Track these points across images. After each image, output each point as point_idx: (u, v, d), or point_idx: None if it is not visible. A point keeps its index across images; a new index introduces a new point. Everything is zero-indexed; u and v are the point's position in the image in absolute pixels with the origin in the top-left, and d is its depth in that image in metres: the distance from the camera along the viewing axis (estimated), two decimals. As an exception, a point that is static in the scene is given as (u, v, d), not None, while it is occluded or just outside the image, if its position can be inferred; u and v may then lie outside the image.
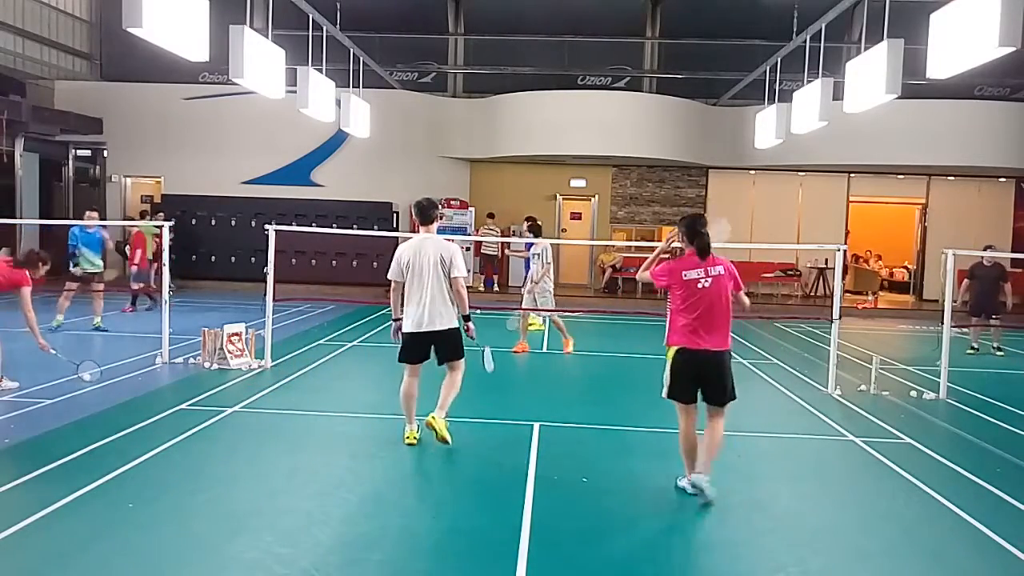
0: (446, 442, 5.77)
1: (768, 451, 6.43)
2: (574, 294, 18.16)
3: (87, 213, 11.85)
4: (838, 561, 4.23)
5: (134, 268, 13.25)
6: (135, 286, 13.18)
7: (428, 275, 5.80)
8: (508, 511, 4.64)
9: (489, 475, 5.49)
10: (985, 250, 11.27)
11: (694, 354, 4.93)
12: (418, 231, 6.09)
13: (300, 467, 5.44)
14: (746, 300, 5.32)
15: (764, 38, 17.05)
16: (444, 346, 5.91)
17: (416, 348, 5.88)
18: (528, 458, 5.75)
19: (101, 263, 11.65)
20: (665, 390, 5.05)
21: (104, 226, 11.98)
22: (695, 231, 5.02)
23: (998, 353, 11.25)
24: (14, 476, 4.96)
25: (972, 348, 11.67)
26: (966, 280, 11.25)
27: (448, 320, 5.86)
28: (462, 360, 6.01)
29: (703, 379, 4.98)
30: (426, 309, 5.78)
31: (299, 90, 11.29)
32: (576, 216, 20.27)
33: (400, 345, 5.96)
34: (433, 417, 5.83)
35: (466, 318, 5.94)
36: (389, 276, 6.00)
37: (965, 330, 11.77)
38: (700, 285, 4.93)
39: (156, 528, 4.29)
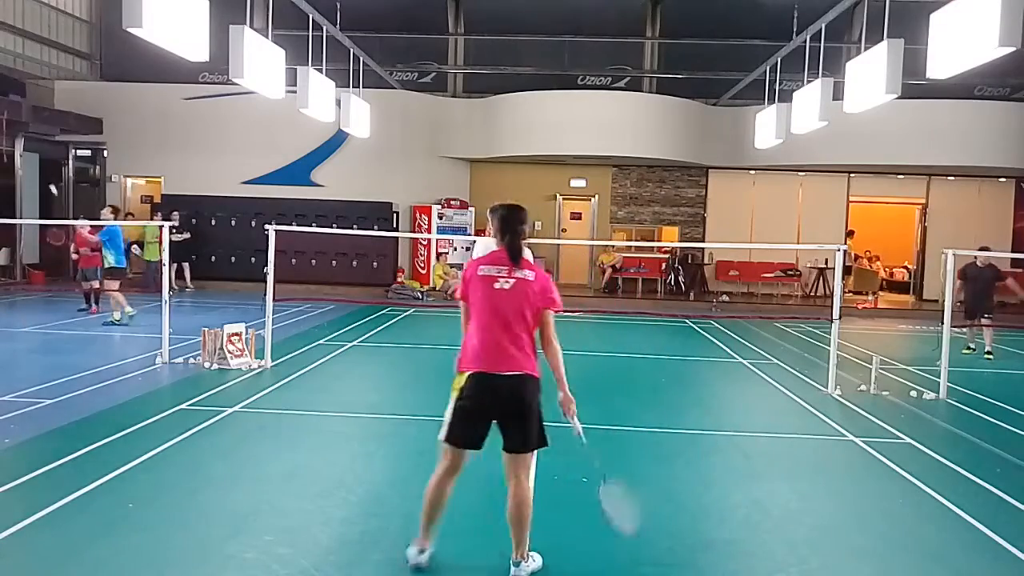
0: None
1: (768, 451, 6.42)
2: (574, 294, 18.17)
3: (103, 212, 12.02)
4: (838, 560, 4.23)
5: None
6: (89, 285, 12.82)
7: None
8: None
9: (489, 475, 5.48)
10: (980, 251, 11.23)
11: (488, 380, 3.71)
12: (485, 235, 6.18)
13: (300, 467, 5.44)
14: (551, 335, 3.83)
15: (764, 38, 17.05)
16: None
17: None
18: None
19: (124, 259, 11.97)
20: (444, 430, 3.83)
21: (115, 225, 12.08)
22: (509, 228, 3.85)
23: (987, 356, 11.21)
24: (14, 476, 4.96)
25: (968, 348, 11.68)
26: (959, 281, 11.24)
27: None
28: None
29: (498, 414, 3.76)
30: None
31: (299, 90, 11.29)
32: (576, 216, 20.28)
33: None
34: None
35: None
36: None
37: (964, 330, 11.77)
38: (497, 285, 3.74)
39: (156, 528, 4.29)
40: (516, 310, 3.74)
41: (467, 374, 3.76)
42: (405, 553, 3.92)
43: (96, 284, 12.55)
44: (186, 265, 17.00)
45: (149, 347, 9.26)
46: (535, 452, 3.86)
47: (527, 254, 3.91)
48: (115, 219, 12.02)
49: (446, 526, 4.00)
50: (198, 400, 7.15)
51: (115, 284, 11.74)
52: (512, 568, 3.81)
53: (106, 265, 11.81)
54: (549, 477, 5.34)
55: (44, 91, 18.56)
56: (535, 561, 3.89)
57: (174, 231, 16.58)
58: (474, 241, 10.93)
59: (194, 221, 17.52)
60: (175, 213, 16.86)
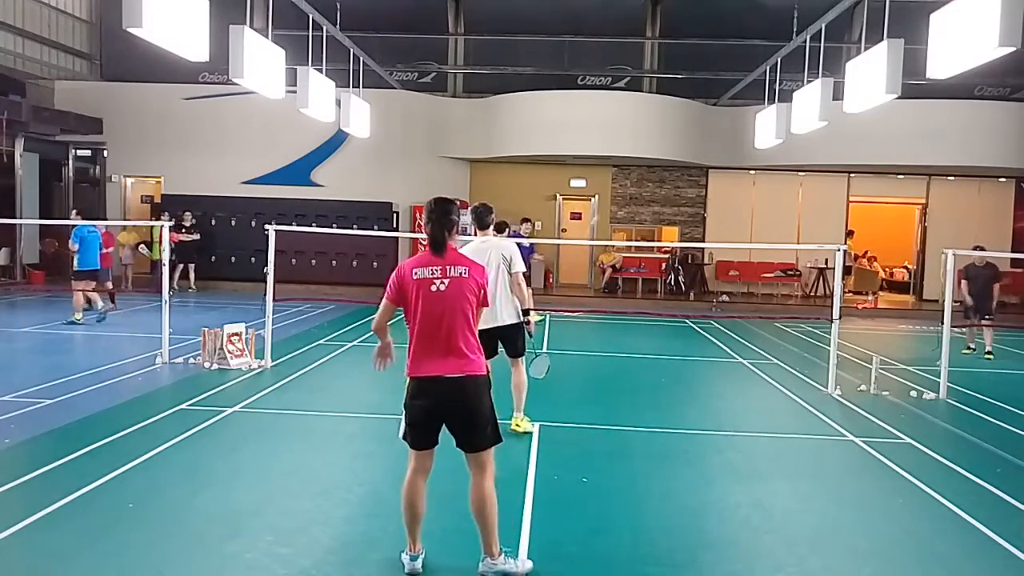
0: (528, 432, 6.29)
1: (768, 451, 6.43)
2: (574, 294, 18.17)
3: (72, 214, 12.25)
4: (838, 561, 4.23)
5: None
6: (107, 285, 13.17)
7: (493, 274, 5.98)
8: (508, 511, 4.62)
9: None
10: (974, 250, 11.24)
11: (429, 384, 3.71)
12: (475, 235, 6.32)
13: (300, 467, 5.44)
14: (474, 328, 3.84)
15: (764, 38, 17.04)
16: (508, 342, 6.23)
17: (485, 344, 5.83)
18: (528, 458, 5.75)
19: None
20: (401, 429, 3.87)
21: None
22: (431, 218, 3.81)
23: (987, 356, 11.21)
24: (14, 476, 4.96)
25: (968, 348, 11.68)
26: (964, 281, 11.24)
27: (512, 316, 6.18)
28: (523, 358, 6.34)
29: (446, 415, 3.76)
30: (494, 306, 5.98)
31: (299, 90, 11.29)
32: (576, 216, 20.28)
33: None
34: (516, 422, 6.32)
35: (525, 312, 6.22)
36: None
37: (963, 330, 11.77)
38: (434, 288, 3.71)
39: (156, 528, 4.29)
40: (456, 310, 3.73)
41: (412, 378, 3.77)
42: (400, 560, 3.92)
43: (110, 284, 12.96)
44: (192, 266, 16.94)
45: (149, 347, 9.26)
46: (491, 450, 3.85)
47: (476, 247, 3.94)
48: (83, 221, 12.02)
49: (432, 526, 3.99)
50: (198, 400, 7.15)
51: (86, 285, 11.70)
52: (479, 564, 3.81)
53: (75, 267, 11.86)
54: (549, 477, 5.35)
55: (44, 91, 18.56)
56: (507, 561, 3.83)
57: (185, 231, 16.61)
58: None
59: (212, 222, 17.49)
60: (187, 213, 16.85)
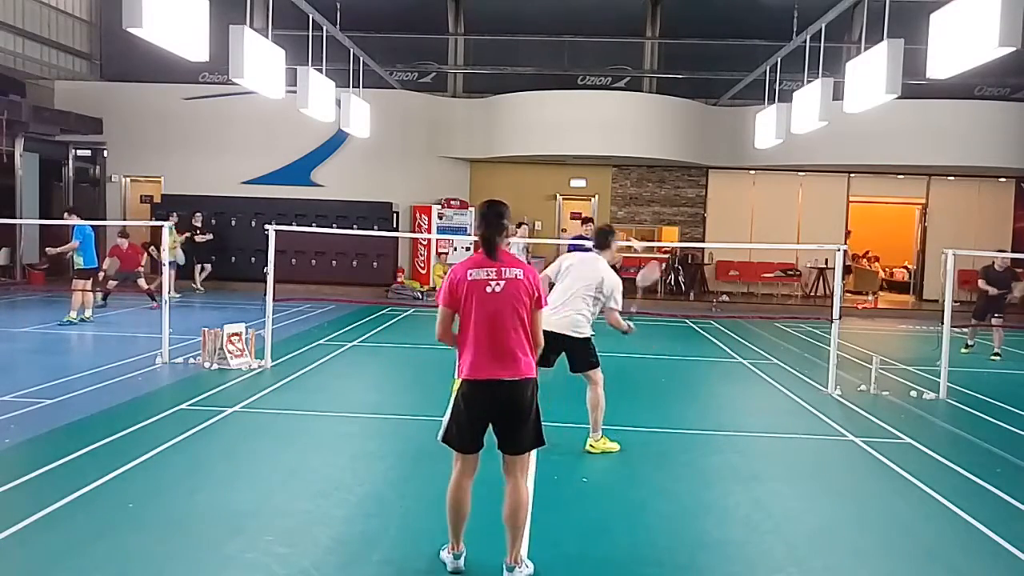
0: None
1: (768, 451, 6.43)
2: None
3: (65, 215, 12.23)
4: (838, 561, 4.23)
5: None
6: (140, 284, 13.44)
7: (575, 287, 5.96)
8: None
9: (489, 475, 5.48)
10: (999, 252, 11.26)
11: (484, 387, 3.71)
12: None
13: (300, 467, 5.44)
14: (540, 333, 3.89)
15: (764, 38, 17.03)
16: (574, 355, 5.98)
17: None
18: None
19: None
20: (441, 431, 3.84)
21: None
22: (485, 221, 3.82)
23: (994, 357, 11.21)
24: (14, 476, 4.96)
25: (967, 346, 11.68)
26: (985, 285, 11.27)
27: (568, 326, 5.89)
28: (597, 370, 6.04)
29: (495, 418, 3.77)
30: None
31: (299, 90, 11.29)
32: (576, 216, 20.26)
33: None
34: (591, 445, 5.99)
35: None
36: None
37: (965, 329, 11.77)
38: (489, 289, 3.71)
39: (156, 528, 4.29)
40: (511, 312, 3.72)
41: (465, 381, 3.75)
42: (439, 558, 3.91)
43: (143, 283, 13.24)
44: (198, 267, 16.83)
45: (149, 347, 9.26)
46: (533, 452, 3.84)
47: (515, 250, 3.92)
48: (80, 220, 12.02)
49: (434, 525, 3.99)
50: (198, 400, 7.15)
51: (85, 284, 11.72)
52: (505, 572, 3.78)
53: (76, 266, 11.88)
54: (549, 477, 5.35)
55: (44, 91, 18.56)
56: (528, 567, 3.83)
57: (197, 232, 16.59)
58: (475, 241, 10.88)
59: (213, 222, 17.45)
60: (197, 214, 16.82)
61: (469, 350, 3.73)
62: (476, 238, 3.84)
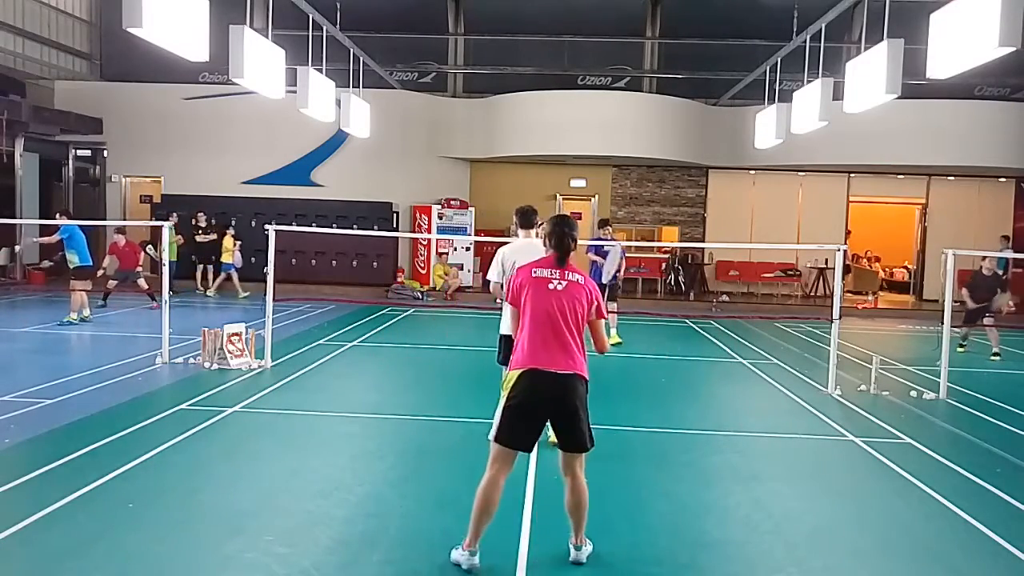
0: None
1: (768, 451, 6.43)
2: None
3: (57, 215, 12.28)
4: (838, 561, 4.23)
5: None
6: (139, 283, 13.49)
7: None
8: (508, 511, 4.62)
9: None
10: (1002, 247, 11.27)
11: (541, 377, 3.81)
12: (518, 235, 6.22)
13: (300, 467, 5.44)
14: (604, 339, 4.14)
15: (764, 38, 17.03)
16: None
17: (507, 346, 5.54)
18: (528, 458, 5.73)
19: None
20: (494, 429, 3.91)
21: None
22: (558, 233, 4.04)
23: (994, 357, 11.21)
24: (14, 476, 4.95)
25: (961, 345, 11.68)
26: (965, 292, 11.33)
27: None
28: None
29: (552, 413, 3.88)
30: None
31: (299, 90, 11.29)
32: (576, 216, 20.25)
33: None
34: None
35: None
36: (490, 277, 6.08)
37: (960, 328, 11.77)
38: (551, 287, 3.92)
39: (156, 528, 4.29)
40: (569, 310, 3.91)
41: (519, 371, 3.86)
42: (451, 558, 3.92)
43: (143, 283, 13.33)
44: (200, 268, 16.64)
45: (149, 347, 9.26)
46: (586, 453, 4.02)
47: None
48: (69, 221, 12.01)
49: (432, 525, 3.99)
50: (198, 400, 7.15)
51: (85, 284, 11.72)
52: (572, 551, 4.04)
53: (71, 265, 11.86)
54: (550, 477, 5.34)
55: (44, 91, 18.56)
56: (589, 546, 4.09)
57: (200, 232, 16.56)
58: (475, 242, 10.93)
59: (213, 222, 17.32)
60: (201, 214, 16.79)
61: (524, 342, 3.91)
62: (549, 249, 4.07)
